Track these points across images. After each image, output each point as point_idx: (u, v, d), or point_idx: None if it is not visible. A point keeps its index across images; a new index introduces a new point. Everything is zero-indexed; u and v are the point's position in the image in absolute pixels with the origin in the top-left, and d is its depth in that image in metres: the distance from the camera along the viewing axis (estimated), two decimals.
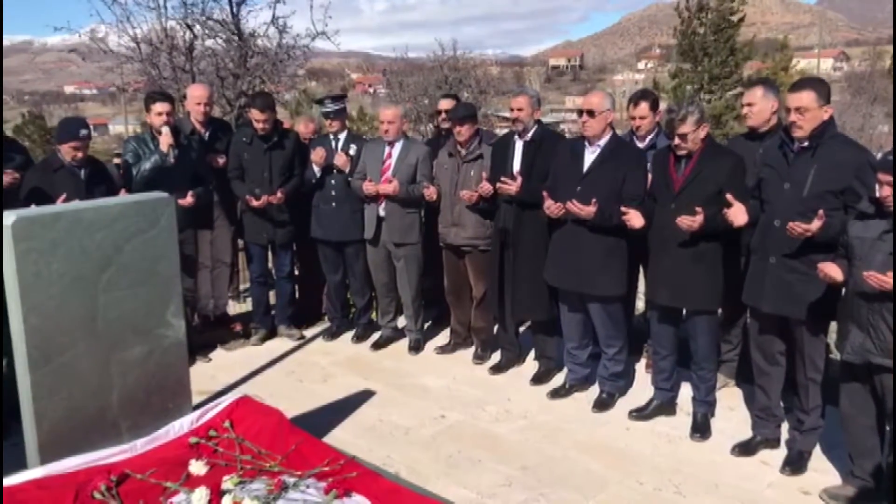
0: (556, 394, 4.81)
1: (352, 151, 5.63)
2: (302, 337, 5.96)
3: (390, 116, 5.36)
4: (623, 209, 4.08)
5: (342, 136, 5.70)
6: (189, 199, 5.07)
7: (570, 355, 4.82)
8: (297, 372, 5.34)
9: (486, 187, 4.83)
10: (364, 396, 4.83)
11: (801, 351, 3.77)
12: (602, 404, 4.62)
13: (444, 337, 5.90)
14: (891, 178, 3.05)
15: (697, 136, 3.95)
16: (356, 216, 5.64)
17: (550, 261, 4.61)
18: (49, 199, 4.23)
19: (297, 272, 6.19)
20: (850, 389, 3.43)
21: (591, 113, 4.32)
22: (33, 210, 3.39)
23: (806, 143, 3.59)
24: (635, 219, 4.06)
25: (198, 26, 7.98)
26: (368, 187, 5.31)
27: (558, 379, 5.02)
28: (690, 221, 3.85)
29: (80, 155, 4.52)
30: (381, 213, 5.42)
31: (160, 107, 5.04)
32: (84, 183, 4.56)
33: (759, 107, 4.33)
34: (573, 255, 4.41)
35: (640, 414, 4.46)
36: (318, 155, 5.49)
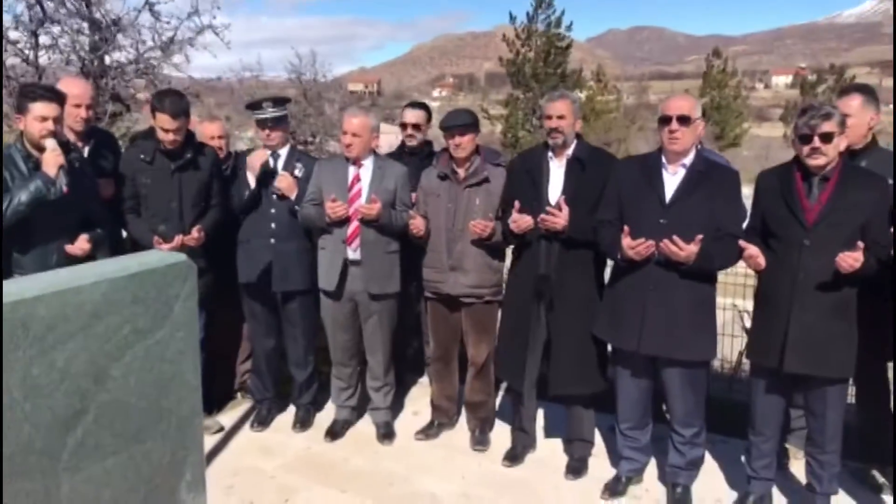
0: (614, 491, 3.65)
1: (298, 172, 4.14)
2: (221, 428, 4.30)
3: (357, 127, 3.93)
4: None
5: (284, 151, 4.19)
6: (84, 246, 3.35)
7: (627, 438, 3.68)
8: (237, 487, 3.70)
9: (524, 220, 3.57)
10: None
11: None
12: (680, 502, 3.54)
13: (411, 415, 4.52)
14: None
15: (839, 144, 3.04)
16: (303, 258, 4.14)
17: (612, 316, 3.47)
18: None
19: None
20: None
21: (684, 120, 3.25)
22: None
23: None
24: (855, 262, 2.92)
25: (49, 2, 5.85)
26: (336, 208, 3.85)
27: (597, 469, 3.86)
28: (855, 260, 2.90)
29: None
30: (352, 254, 3.96)
31: (44, 108, 3.25)
32: None
33: (856, 119, 3.50)
34: (657, 308, 3.30)
35: None
36: (258, 157, 3.95)
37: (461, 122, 3.85)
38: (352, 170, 4.00)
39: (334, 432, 4.25)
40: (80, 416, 1.70)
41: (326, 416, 4.43)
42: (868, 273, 2.97)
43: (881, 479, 3.59)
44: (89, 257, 3.33)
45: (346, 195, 3.94)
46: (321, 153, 12.42)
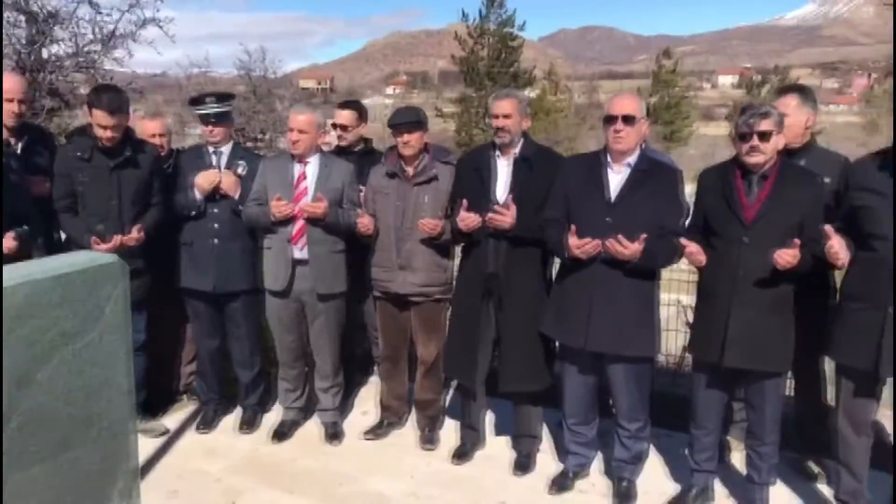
0: (561, 486, 3.68)
1: (241, 170, 4.07)
2: (165, 431, 4.20)
3: (303, 123, 3.88)
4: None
5: (226, 148, 4.11)
6: (9, 244, 3.23)
7: (574, 434, 3.71)
8: (181, 491, 3.62)
9: (471, 219, 3.57)
10: None
11: None
12: (625, 496, 3.58)
13: (360, 415, 4.49)
14: None
15: (777, 143, 3.11)
16: (246, 258, 4.07)
17: (559, 313, 3.50)
18: None
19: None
20: None
21: (628, 120, 3.29)
22: None
23: None
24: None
25: None
26: (281, 207, 3.79)
27: (545, 464, 3.89)
28: (789, 257, 2.97)
29: None
30: (298, 253, 3.90)
31: None
32: None
33: (793, 119, 3.57)
34: (602, 306, 3.34)
35: None
36: (206, 179, 3.88)
37: (408, 120, 3.83)
38: (297, 168, 3.95)
39: (281, 433, 4.19)
40: (3, 424, 1.63)
41: (274, 417, 4.38)
42: (804, 269, 3.05)
43: (816, 469, 3.70)
44: (23, 257, 3.21)
45: (291, 194, 3.88)
46: (271, 150, 12.26)
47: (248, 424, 4.29)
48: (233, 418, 4.38)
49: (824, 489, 3.56)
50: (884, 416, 3.64)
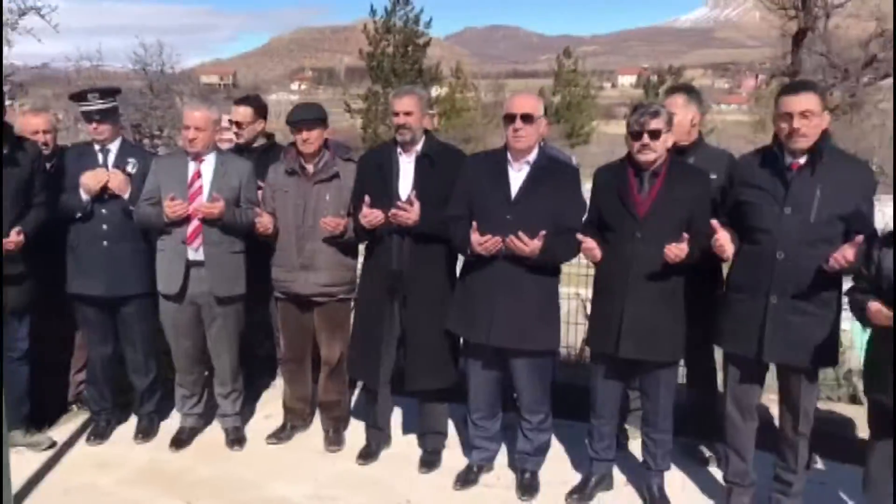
0: (466, 481, 3.71)
1: (130, 168, 3.89)
2: (52, 444, 3.98)
3: (199, 120, 3.74)
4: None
5: (114, 145, 3.93)
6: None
7: (479, 428, 3.75)
8: None
9: (374, 215, 3.54)
10: None
11: (793, 402, 3.23)
12: (528, 488, 3.65)
13: (263, 419, 4.39)
14: None
15: (667, 141, 3.23)
16: (138, 260, 3.91)
17: (462, 310, 3.52)
18: None
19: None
20: (881, 448, 2.93)
21: (527, 118, 3.34)
22: None
23: (803, 160, 3.06)
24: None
25: None
26: (175, 207, 3.65)
27: (451, 460, 3.91)
28: (678, 250, 3.09)
29: None
30: (194, 255, 3.77)
31: None
32: None
33: (679, 117, 3.71)
34: (505, 301, 3.38)
35: (582, 495, 3.58)
36: (93, 179, 3.69)
37: (308, 117, 3.76)
38: (192, 166, 3.81)
39: (180, 441, 4.05)
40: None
41: (172, 424, 4.21)
42: (693, 262, 3.18)
43: (708, 453, 3.88)
44: None
45: (185, 193, 3.74)
46: (171, 148, 11.82)
47: (145, 433, 4.12)
48: (128, 428, 4.19)
49: (715, 472, 3.73)
50: (768, 399, 3.84)
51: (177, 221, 3.70)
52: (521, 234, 3.23)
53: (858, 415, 4.08)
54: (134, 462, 3.88)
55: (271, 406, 4.48)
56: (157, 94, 11.47)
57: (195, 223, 3.73)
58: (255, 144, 4.42)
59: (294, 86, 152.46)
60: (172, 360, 4.04)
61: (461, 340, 3.74)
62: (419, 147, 3.65)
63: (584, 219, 3.50)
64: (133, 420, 4.22)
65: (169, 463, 3.90)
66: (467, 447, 3.88)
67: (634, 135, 3.22)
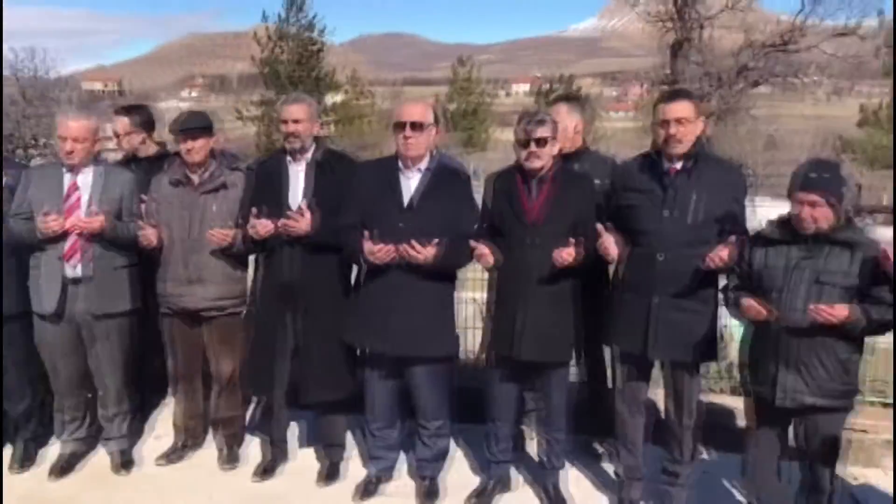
0: (366, 493, 3.68)
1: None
2: None
3: (76, 130, 3.55)
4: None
5: None
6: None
7: (378, 438, 3.72)
8: None
9: (264, 226, 3.46)
10: None
11: (678, 396, 3.39)
12: (429, 494, 3.66)
13: (153, 440, 4.20)
14: (813, 198, 2.80)
15: (553, 148, 3.32)
16: (11, 278, 3.67)
17: (359, 319, 3.50)
18: None
19: None
20: (764, 436, 3.11)
21: (417, 126, 3.35)
22: None
23: (680, 164, 3.21)
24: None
25: None
26: (50, 222, 3.45)
27: (351, 471, 3.87)
28: (568, 255, 3.18)
29: None
30: (72, 272, 3.57)
31: None
32: None
33: (562, 125, 3.82)
34: (401, 309, 3.37)
35: (481, 498, 3.62)
36: None
37: (193, 125, 3.64)
38: (68, 178, 3.62)
39: (61, 468, 3.83)
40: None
41: (54, 451, 3.96)
42: (581, 266, 3.27)
43: (601, 449, 4.01)
44: None
45: (61, 207, 3.54)
46: (50, 158, 11.18)
47: (21, 462, 3.86)
48: (4, 456, 3.92)
49: (608, 466, 3.86)
50: (656, 395, 4.00)
51: (53, 237, 3.50)
52: (414, 242, 3.24)
53: (739, 405, 4.32)
54: (10, 493, 3.63)
55: (163, 426, 4.30)
56: (30, 101, 10.79)
57: (73, 238, 3.53)
58: (142, 155, 4.24)
59: (185, 93, 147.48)
60: (50, 383, 3.81)
61: (359, 351, 3.71)
62: (309, 155, 3.60)
63: (477, 225, 3.55)
64: (8, 448, 3.94)
65: (50, 491, 3.68)
66: (367, 458, 3.85)
67: (522, 143, 3.30)
